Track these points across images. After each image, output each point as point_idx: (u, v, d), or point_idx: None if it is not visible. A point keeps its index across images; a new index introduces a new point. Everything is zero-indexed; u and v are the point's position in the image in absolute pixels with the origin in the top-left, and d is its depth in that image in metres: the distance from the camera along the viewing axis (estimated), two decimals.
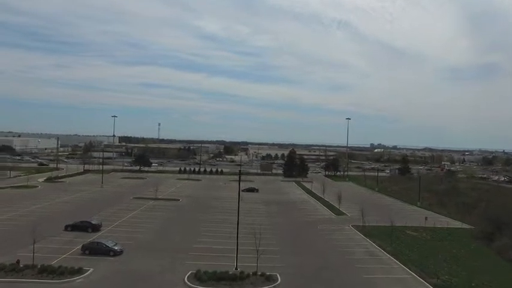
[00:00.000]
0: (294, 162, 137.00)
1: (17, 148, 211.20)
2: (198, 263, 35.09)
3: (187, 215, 58.71)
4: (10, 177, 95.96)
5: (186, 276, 31.69)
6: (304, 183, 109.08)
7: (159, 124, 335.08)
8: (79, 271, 31.69)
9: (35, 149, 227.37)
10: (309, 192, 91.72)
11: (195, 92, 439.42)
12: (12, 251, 36.01)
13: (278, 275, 32.78)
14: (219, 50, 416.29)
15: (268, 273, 32.20)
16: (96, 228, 46.10)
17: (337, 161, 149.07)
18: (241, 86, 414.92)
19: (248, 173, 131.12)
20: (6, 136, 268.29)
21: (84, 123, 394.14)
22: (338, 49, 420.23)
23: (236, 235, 35.08)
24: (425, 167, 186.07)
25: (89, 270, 32.42)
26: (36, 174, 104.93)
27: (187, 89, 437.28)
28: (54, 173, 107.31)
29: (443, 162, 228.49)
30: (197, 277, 31.10)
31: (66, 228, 45.97)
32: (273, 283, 31.19)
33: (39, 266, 31.82)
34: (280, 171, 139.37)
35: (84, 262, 34.52)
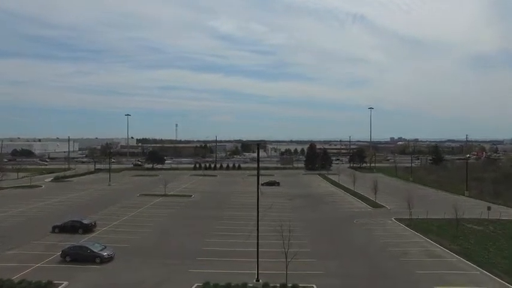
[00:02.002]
0: (316, 154, 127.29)
1: (37, 152, 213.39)
2: (207, 272, 26.76)
3: (199, 212, 50.55)
4: (18, 178, 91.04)
5: None
6: (329, 176, 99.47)
7: (177, 125, 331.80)
8: (47, 287, 23.75)
9: (53, 153, 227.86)
10: (336, 184, 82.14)
11: (212, 92, 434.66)
12: None
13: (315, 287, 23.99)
14: (235, 50, 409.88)
15: (302, 286, 23.43)
16: (88, 228, 38.52)
17: (362, 152, 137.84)
18: (258, 84, 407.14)
19: (267, 168, 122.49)
20: (27, 141, 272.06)
21: (105, 127, 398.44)
22: (355, 44, 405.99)
23: (257, 233, 26.48)
24: (459, 157, 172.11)
25: (61, 285, 24.50)
26: (46, 175, 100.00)
27: (204, 89, 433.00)
28: (65, 173, 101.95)
29: (482, 151, 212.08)
30: None
31: (54, 229, 38.61)
32: None
33: None
34: (301, 165, 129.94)
35: (60, 272, 26.79)
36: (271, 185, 79.27)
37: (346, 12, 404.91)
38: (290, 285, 23.42)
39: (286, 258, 23.87)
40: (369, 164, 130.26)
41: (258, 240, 25.92)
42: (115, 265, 28.64)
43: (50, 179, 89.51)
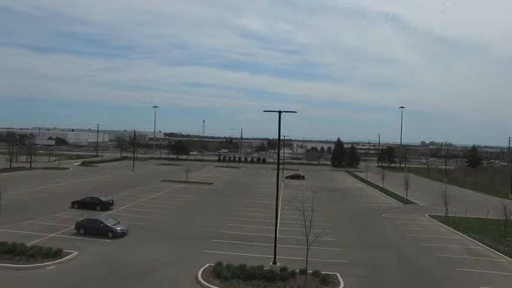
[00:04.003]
0: (343, 152, 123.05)
1: (70, 141, 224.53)
2: (222, 253, 24.94)
3: (219, 199, 49.00)
4: (49, 161, 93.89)
5: (201, 271, 21.55)
6: (356, 173, 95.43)
7: (204, 121, 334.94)
8: (57, 254, 22.88)
9: (85, 142, 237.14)
10: (364, 181, 78.29)
11: (238, 90, 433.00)
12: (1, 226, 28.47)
13: (339, 276, 21.56)
14: (261, 49, 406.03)
15: (324, 273, 21.09)
16: (105, 206, 37.90)
17: (392, 151, 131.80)
18: (284, 83, 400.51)
19: (292, 163, 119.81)
20: (62, 130, 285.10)
21: (134, 120, 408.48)
22: (385, 43, 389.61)
23: (275, 212, 24.28)
24: (500, 161, 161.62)
25: (71, 254, 23.52)
26: (74, 160, 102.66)
27: (231, 87, 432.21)
28: (92, 159, 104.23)
29: None
30: (216, 272, 20.81)
31: (73, 205, 38.41)
32: (333, 287, 20.05)
33: (9, 244, 23.51)
34: (328, 162, 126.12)
35: (72, 243, 25.96)
36: (296, 178, 76.82)
37: (377, 12, 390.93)
38: (310, 271, 21.13)
39: (307, 243, 21.43)
40: (398, 164, 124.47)
41: (277, 218, 23.81)
42: (127, 241, 27.45)
43: (77, 164, 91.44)
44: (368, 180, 77.49)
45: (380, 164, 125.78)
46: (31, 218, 33.17)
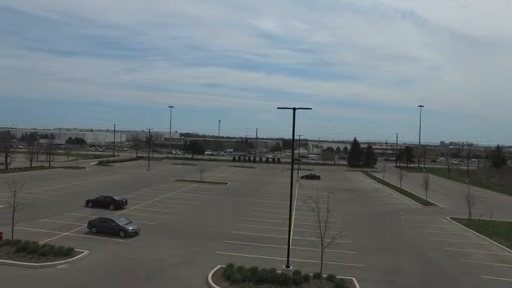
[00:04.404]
0: (359, 152, 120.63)
1: (88, 141, 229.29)
2: (233, 255, 24.26)
3: (233, 198, 48.43)
4: (67, 161, 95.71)
5: (212, 272, 20.91)
6: (372, 173, 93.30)
7: (219, 121, 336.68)
8: (68, 253, 22.72)
9: (103, 142, 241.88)
10: (381, 181, 76.25)
11: (254, 90, 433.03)
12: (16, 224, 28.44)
13: (355, 281, 20.54)
14: (276, 48, 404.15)
15: (339, 277, 20.10)
16: (118, 205, 37.87)
17: (410, 150, 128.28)
18: (300, 83, 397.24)
19: (308, 163, 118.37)
20: (81, 131, 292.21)
21: (150, 121, 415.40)
22: (403, 41, 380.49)
23: (289, 214, 23.39)
24: None
25: (82, 253, 23.30)
26: (91, 159, 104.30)
27: (246, 88, 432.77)
28: (108, 159, 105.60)
29: None
30: (227, 274, 20.12)
31: (87, 204, 38.57)
32: None
33: (22, 243, 23.56)
34: (344, 163, 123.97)
35: (84, 242, 25.83)
36: (311, 178, 75.63)
37: (394, 9, 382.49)
38: (325, 275, 20.18)
39: (322, 246, 20.41)
40: (417, 164, 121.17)
41: (290, 220, 22.93)
42: (138, 240, 27.13)
43: (94, 163, 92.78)
44: (385, 180, 75.50)
45: (398, 164, 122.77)
46: (46, 216, 33.49)
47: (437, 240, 30.65)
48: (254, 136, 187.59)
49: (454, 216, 40.75)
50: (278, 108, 21.09)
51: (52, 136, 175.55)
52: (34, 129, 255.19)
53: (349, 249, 26.72)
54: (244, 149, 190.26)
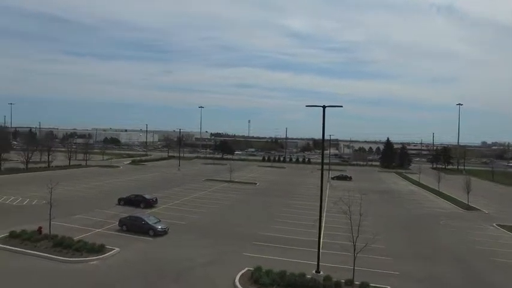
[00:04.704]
0: (393, 152, 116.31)
1: (122, 141, 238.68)
2: (262, 257, 23.70)
3: (262, 199, 47.92)
4: (102, 160, 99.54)
5: (239, 275, 20.46)
6: (407, 174, 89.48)
7: (249, 121, 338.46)
8: (100, 250, 23.21)
9: (136, 142, 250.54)
10: (416, 183, 72.85)
11: (283, 90, 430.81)
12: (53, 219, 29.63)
13: None
14: (306, 48, 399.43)
15: (373, 285, 18.98)
16: (149, 203, 38.47)
17: (448, 151, 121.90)
18: (330, 83, 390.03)
19: (338, 163, 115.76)
20: (116, 131, 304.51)
21: (182, 121, 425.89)
22: (439, 37, 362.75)
23: (319, 215, 22.46)
24: None
25: (112, 250, 23.71)
26: (125, 158, 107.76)
27: (276, 87, 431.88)
28: (141, 158, 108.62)
29: None
30: (254, 277, 19.58)
31: (119, 201, 39.54)
32: None
33: (58, 238, 24.41)
34: (376, 163, 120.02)
35: (115, 239, 26.31)
36: (342, 179, 73.63)
37: (429, 4, 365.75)
38: (358, 282, 19.12)
39: (354, 251, 19.33)
40: (456, 166, 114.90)
41: (320, 221, 22.02)
42: (167, 240, 27.26)
43: (127, 162, 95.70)
44: (421, 182, 72.04)
45: (434, 166, 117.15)
46: (81, 212, 34.61)
47: (483, 249, 28.37)
48: (284, 136, 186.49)
49: (502, 222, 37.87)
50: (307, 106, 20.31)
51: (89, 136, 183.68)
52: (74, 129, 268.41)
53: (383, 255, 25.37)
54: (274, 149, 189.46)
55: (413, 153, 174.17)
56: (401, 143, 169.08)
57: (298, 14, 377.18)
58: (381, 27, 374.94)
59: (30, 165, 68.69)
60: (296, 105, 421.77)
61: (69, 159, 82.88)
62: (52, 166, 73.45)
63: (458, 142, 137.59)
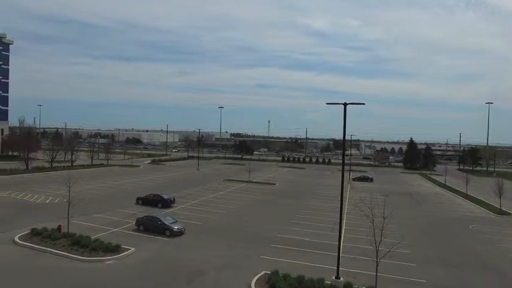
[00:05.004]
0: (417, 153, 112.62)
1: (144, 141, 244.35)
2: (279, 260, 22.89)
3: (281, 200, 47.04)
4: (123, 159, 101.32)
5: (255, 279, 19.73)
6: (432, 176, 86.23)
7: (269, 121, 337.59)
8: (115, 250, 23.05)
9: (157, 142, 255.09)
10: (443, 185, 69.94)
11: (304, 90, 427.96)
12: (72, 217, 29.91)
13: None
14: (327, 47, 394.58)
15: None
16: (166, 203, 38.35)
17: (476, 152, 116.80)
18: (352, 82, 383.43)
19: (359, 164, 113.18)
20: (137, 131, 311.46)
21: (202, 121, 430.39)
22: (467, 33, 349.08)
23: (339, 219, 21.40)
24: None
25: (128, 250, 23.51)
26: (145, 158, 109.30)
27: (296, 87, 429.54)
28: (161, 158, 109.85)
29: None
30: (271, 282, 18.79)
31: (137, 201, 39.63)
32: None
33: (76, 236, 24.51)
34: (399, 164, 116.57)
35: (131, 239, 26.14)
36: (363, 180, 71.71)
37: None
38: None
39: (377, 256, 18.24)
40: (485, 167, 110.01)
41: (340, 224, 20.99)
42: (183, 240, 26.87)
43: (147, 162, 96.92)
44: (447, 184, 69.11)
45: (461, 167, 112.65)
46: (99, 211, 34.82)
47: None
48: (304, 136, 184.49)
49: None
50: (327, 103, 19.33)
51: (112, 136, 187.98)
52: (98, 129, 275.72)
53: (408, 261, 24.00)
54: (294, 150, 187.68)
55: (438, 154, 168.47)
56: (425, 143, 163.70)
57: (319, 12, 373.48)
58: (405, 24, 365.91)
59: (54, 164, 70.54)
60: (317, 105, 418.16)
61: (92, 159, 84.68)
62: (75, 165, 75.20)
63: (487, 142, 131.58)
